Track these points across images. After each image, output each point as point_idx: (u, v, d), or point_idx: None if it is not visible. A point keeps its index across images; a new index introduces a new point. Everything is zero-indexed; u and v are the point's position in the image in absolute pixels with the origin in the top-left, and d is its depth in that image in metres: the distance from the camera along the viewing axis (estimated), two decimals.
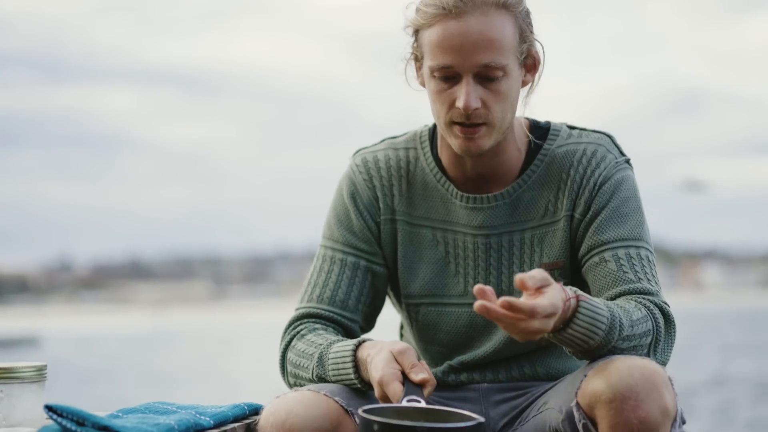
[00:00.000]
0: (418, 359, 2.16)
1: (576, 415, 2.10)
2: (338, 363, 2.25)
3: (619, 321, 2.12)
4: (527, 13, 2.31)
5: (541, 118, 2.46)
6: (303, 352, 2.34)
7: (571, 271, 2.37)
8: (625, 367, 2.04)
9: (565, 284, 2.25)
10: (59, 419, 2.03)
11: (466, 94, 2.25)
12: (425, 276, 2.43)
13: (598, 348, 2.11)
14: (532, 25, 2.32)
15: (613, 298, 2.26)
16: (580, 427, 2.09)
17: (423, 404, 2.04)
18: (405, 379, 2.11)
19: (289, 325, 2.42)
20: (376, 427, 1.90)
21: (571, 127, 2.44)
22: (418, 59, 2.35)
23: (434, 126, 2.47)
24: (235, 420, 2.27)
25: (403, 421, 1.91)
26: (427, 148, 2.46)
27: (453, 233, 2.42)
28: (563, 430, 2.14)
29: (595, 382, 2.06)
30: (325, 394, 2.18)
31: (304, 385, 2.32)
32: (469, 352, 2.42)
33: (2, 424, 2.17)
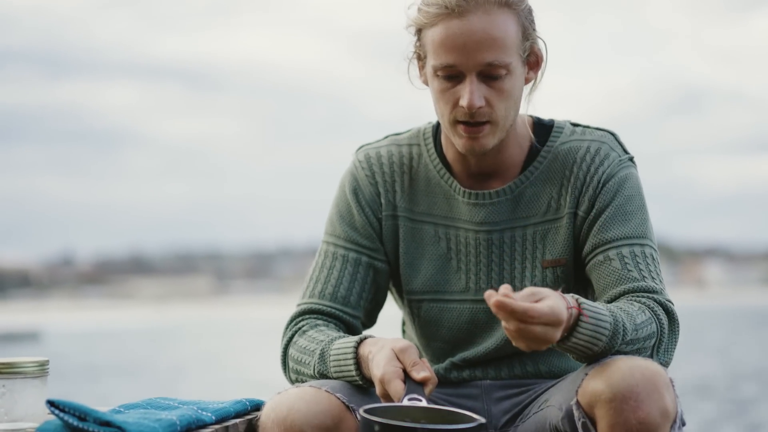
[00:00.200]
0: (420, 357, 2.17)
1: (576, 413, 2.10)
2: (340, 360, 2.26)
3: (623, 326, 2.12)
4: (530, 11, 2.31)
5: (544, 115, 2.46)
6: (304, 348, 2.34)
7: (574, 269, 2.37)
8: (626, 368, 2.04)
9: (563, 291, 2.26)
10: (61, 414, 2.04)
11: (469, 93, 2.25)
12: (427, 272, 2.43)
13: (602, 353, 2.11)
14: (534, 23, 2.32)
15: (617, 297, 2.26)
16: (579, 425, 2.09)
17: (424, 403, 2.04)
18: (406, 377, 2.11)
19: (291, 321, 2.42)
20: (376, 427, 1.90)
21: (575, 125, 2.44)
22: (420, 58, 2.35)
23: (438, 123, 2.47)
24: (237, 416, 2.28)
25: (404, 422, 1.91)
26: (431, 145, 2.46)
27: (455, 229, 2.42)
28: (563, 428, 2.14)
29: (595, 382, 2.06)
30: (326, 391, 2.18)
31: (306, 381, 2.32)
32: (471, 348, 2.42)
33: (4, 419, 2.17)
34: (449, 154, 2.43)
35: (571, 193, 2.36)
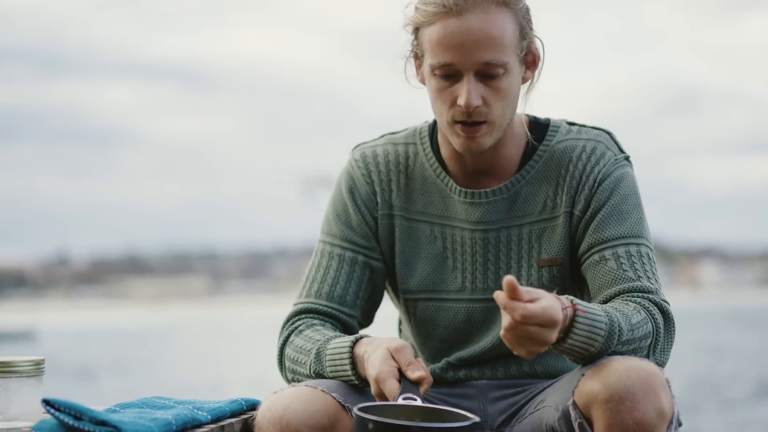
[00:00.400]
0: (415, 356, 2.17)
1: (572, 414, 2.09)
2: (335, 359, 2.26)
3: (618, 326, 2.12)
4: (527, 10, 2.31)
5: (540, 114, 2.46)
6: (301, 347, 2.34)
7: (570, 268, 2.38)
8: (622, 368, 2.04)
9: (559, 292, 2.26)
10: (57, 414, 2.03)
11: (467, 92, 2.25)
12: (423, 271, 2.43)
13: (598, 354, 2.11)
14: (531, 22, 2.32)
15: (612, 297, 2.26)
16: (576, 426, 2.09)
17: (419, 402, 2.04)
18: (401, 377, 2.11)
19: (287, 320, 2.42)
20: (370, 426, 1.90)
21: (571, 124, 2.44)
22: (418, 57, 2.35)
23: (434, 122, 2.47)
24: (233, 415, 2.27)
25: (398, 421, 1.91)
26: (427, 144, 2.46)
27: (451, 228, 2.42)
28: (559, 429, 2.14)
29: (592, 382, 2.06)
30: (322, 390, 2.18)
31: (302, 380, 2.32)
32: (467, 347, 2.42)
33: (0, 419, 2.17)
34: (445, 153, 2.43)
35: (567, 192, 2.36)
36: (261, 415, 2.17)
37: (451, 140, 2.34)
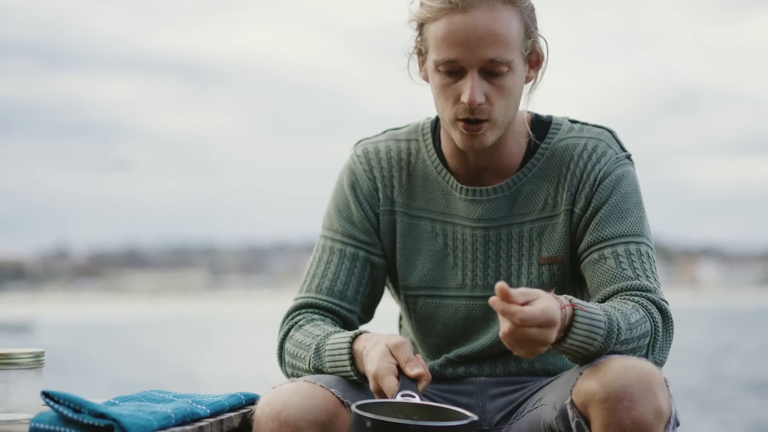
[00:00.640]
0: (414, 353, 2.17)
1: (570, 413, 2.10)
2: (335, 355, 2.26)
3: (617, 325, 2.12)
4: (532, 9, 2.31)
5: (542, 112, 2.46)
6: (300, 342, 2.35)
7: (570, 267, 2.38)
8: (620, 367, 2.04)
9: (557, 291, 2.26)
10: (56, 406, 2.04)
11: (470, 89, 2.25)
12: (423, 268, 2.43)
13: (597, 354, 2.11)
14: (536, 21, 2.32)
15: (610, 295, 2.26)
16: (573, 425, 2.09)
17: (417, 399, 2.04)
18: (400, 373, 2.11)
19: (288, 315, 2.42)
20: (368, 424, 1.90)
21: (573, 122, 2.44)
22: (421, 53, 2.35)
23: (436, 118, 2.47)
24: (232, 409, 2.28)
25: (396, 419, 1.91)
26: (429, 140, 2.46)
27: (452, 225, 2.42)
28: (557, 428, 2.14)
29: (589, 381, 2.06)
30: (321, 386, 2.18)
31: (302, 375, 2.32)
32: (467, 344, 2.42)
33: None
34: (447, 150, 2.43)
35: (567, 190, 2.36)
36: (260, 410, 2.17)
37: (453, 137, 2.34)
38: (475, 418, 1.95)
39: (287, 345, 2.38)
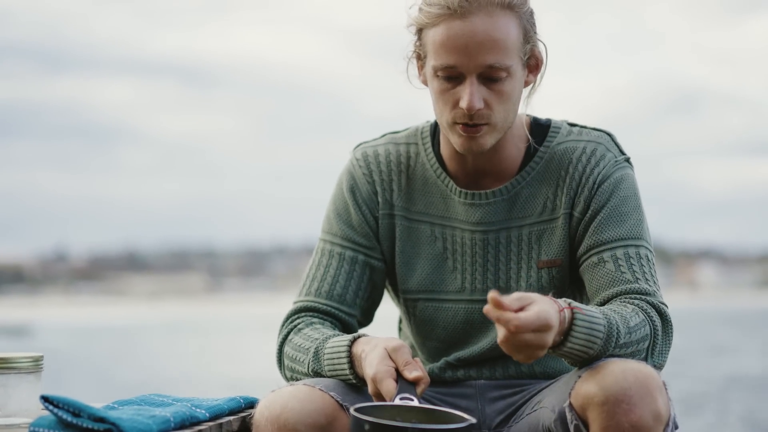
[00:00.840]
0: (413, 357, 2.17)
1: (568, 416, 2.10)
2: (333, 358, 2.26)
3: (617, 329, 2.12)
4: (531, 14, 2.31)
5: (541, 115, 2.46)
6: (299, 346, 2.35)
7: (569, 270, 2.38)
8: (619, 371, 2.04)
9: (556, 294, 2.26)
10: (55, 410, 2.04)
11: (469, 95, 2.25)
12: (423, 271, 2.43)
13: (596, 357, 2.11)
14: (535, 26, 2.32)
15: (609, 299, 2.26)
16: (571, 428, 2.09)
17: (416, 402, 2.04)
18: (399, 377, 2.12)
19: (287, 318, 2.42)
20: (367, 426, 1.90)
21: (572, 125, 2.44)
22: (420, 58, 2.35)
23: (436, 122, 2.47)
24: (231, 413, 2.28)
25: (394, 422, 1.91)
26: (428, 144, 2.46)
27: (451, 229, 2.42)
28: (555, 430, 2.14)
29: (588, 384, 2.06)
30: (320, 389, 2.18)
31: (301, 379, 2.33)
32: (466, 348, 2.42)
33: None
34: (446, 154, 2.43)
35: (566, 193, 2.36)
36: (259, 414, 2.17)
37: (451, 140, 2.34)
38: (474, 420, 1.95)
39: (286, 348, 2.38)
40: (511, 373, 2.41)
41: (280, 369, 2.41)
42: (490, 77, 2.25)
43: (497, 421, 2.37)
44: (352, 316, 2.42)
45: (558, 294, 2.33)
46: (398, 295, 2.48)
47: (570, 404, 2.09)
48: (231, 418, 2.25)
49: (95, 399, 2.38)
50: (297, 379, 2.34)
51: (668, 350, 2.24)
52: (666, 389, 2.08)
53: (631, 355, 2.15)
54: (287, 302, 2.51)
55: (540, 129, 2.42)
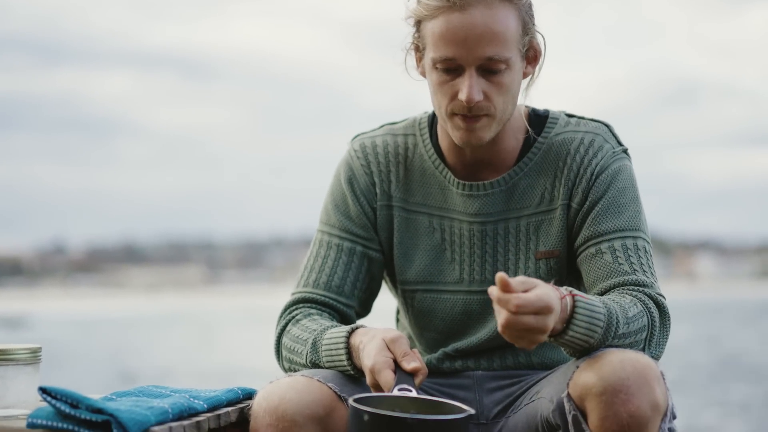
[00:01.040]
0: (411, 347, 2.17)
1: (566, 406, 2.10)
2: (331, 349, 2.26)
3: (616, 318, 2.12)
4: (530, 6, 2.30)
5: (539, 106, 2.45)
6: (297, 337, 2.35)
7: (567, 261, 2.38)
8: (617, 361, 2.04)
9: (556, 283, 2.26)
10: (53, 401, 2.04)
11: (468, 87, 2.24)
12: (421, 263, 2.43)
13: (595, 347, 2.11)
14: (534, 17, 2.31)
15: (607, 290, 2.26)
16: (569, 418, 2.09)
17: (414, 393, 2.04)
18: (397, 368, 2.12)
19: (285, 309, 2.42)
20: (366, 417, 1.90)
21: (570, 116, 2.44)
22: (419, 49, 2.34)
23: (434, 113, 2.47)
24: (229, 404, 2.28)
25: (393, 413, 1.91)
26: (426, 135, 2.46)
27: (449, 220, 2.42)
28: (554, 421, 2.14)
29: (586, 375, 2.06)
30: (318, 380, 2.18)
31: (299, 370, 2.33)
32: (464, 339, 2.42)
33: None
34: (444, 145, 2.43)
35: (564, 184, 2.36)
36: (257, 405, 2.17)
37: (450, 132, 2.33)
38: (472, 411, 1.95)
39: (284, 340, 2.38)
40: (509, 364, 2.41)
41: (278, 360, 2.41)
42: (489, 69, 2.25)
43: (495, 412, 2.37)
44: (350, 307, 2.42)
45: (557, 284, 2.33)
46: (396, 286, 2.48)
47: (568, 394, 2.10)
48: (229, 409, 2.25)
49: (93, 390, 2.39)
50: (295, 370, 2.34)
51: (665, 341, 2.24)
52: (664, 379, 2.09)
53: (629, 346, 2.15)
54: (285, 294, 2.51)
55: (538, 120, 2.42)
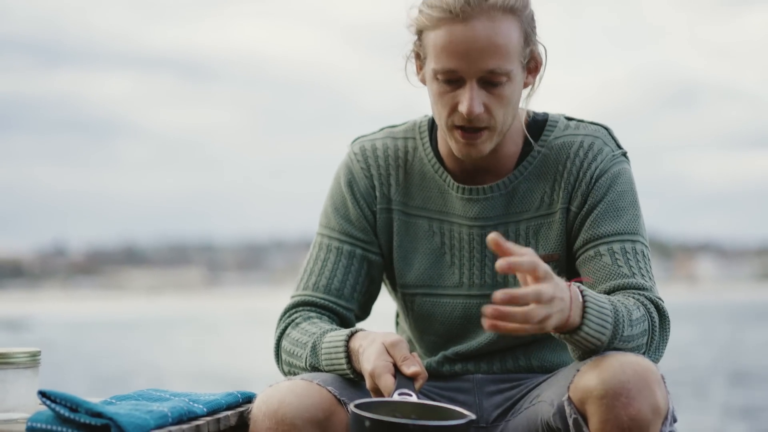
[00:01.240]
0: (411, 351, 2.17)
1: (567, 409, 2.09)
2: (331, 353, 2.26)
3: (622, 318, 2.12)
4: (532, 17, 2.29)
5: (539, 109, 2.45)
6: (297, 340, 2.34)
7: (567, 265, 2.37)
8: (617, 364, 2.04)
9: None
10: (53, 405, 2.04)
11: (469, 100, 2.23)
12: (420, 266, 2.43)
13: (603, 348, 2.11)
14: (536, 28, 2.30)
15: (607, 293, 2.25)
16: (570, 422, 2.09)
17: (414, 398, 2.04)
18: (397, 372, 2.12)
19: (285, 312, 2.42)
20: (367, 423, 1.90)
21: (569, 119, 2.43)
22: (419, 57, 2.33)
23: (434, 117, 2.47)
24: (229, 408, 2.28)
25: (395, 419, 1.91)
26: (426, 139, 2.46)
27: (449, 224, 2.42)
28: (554, 424, 2.14)
29: (587, 378, 2.06)
30: (317, 384, 2.18)
31: (298, 373, 2.33)
32: (465, 342, 2.42)
33: None
34: (444, 150, 2.42)
35: (564, 188, 2.36)
36: (256, 408, 2.17)
37: (450, 144, 2.33)
38: (473, 416, 1.95)
39: (284, 343, 2.38)
40: (509, 367, 2.41)
41: (278, 363, 2.41)
42: (490, 82, 2.24)
43: (494, 416, 2.37)
44: (349, 311, 2.42)
45: None
46: (396, 289, 2.48)
47: (569, 398, 2.09)
48: (229, 413, 2.25)
49: (93, 393, 2.39)
50: (295, 374, 2.34)
51: (665, 346, 2.24)
52: (665, 383, 2.08)
53: (632, 350, 2.14)
54: (285, 296, 2.50)
55: (537, 123, 2.42)
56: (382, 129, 2.52)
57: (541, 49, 2.33)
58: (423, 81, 2.35)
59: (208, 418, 2.19)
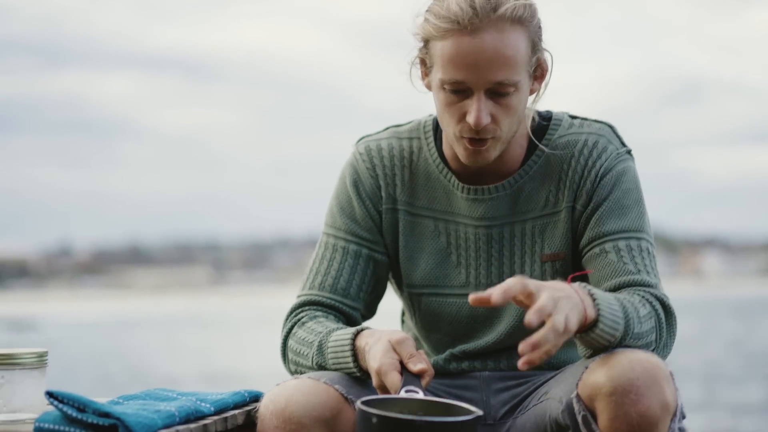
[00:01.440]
0: (417, 348, 2.16)
1: (576, 406, 2.09)
2: (337, 351, 2.26)
3: (632, 315, 2.12)
4: (539, 26, 2.27)
5: (542, 107, 2.44)
6: (303, 339, 2.34)
7: (572, 263, 2.37)
8: (626, 361, 2.04)
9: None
10: (60, 405, 2.04)
11: (477, 111, 2.23)
12: (426, 266, 2.43)
13: (614, 346, 2.11)
14: (542, 36, 2.29)
15: (612, 289, 2.25)
16: (579, 419, 2.09)
17: (421, 395, 2.04)
18: (403, 369, 2.11)
19: (291, 312, 2.42)
20: (374, 420, 1.90)
21: (573, 117, 2.43)
22: (425, 64, 2.32)
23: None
24: (236, 407, 2.28)
25: (402, 415, 1.91)
26: (431, 139, 2.46)
27: (455, 224, 2.41)
28: (563, 421, 2.14)
29: (596, 375, 2.06)
30: (324, 382, 2.18)
31: (305, 372, 2.33)
32: (472, 341, 2.42)
33: (3, 410, 2.18)
34: (448, 151, 2.42)
35: (569, 187, 2.36)
36: (264, 407, 2.17)
37: (456, 151, 2.33)
38: (480, 413, 1.94)
39: (290, 342, 2.38)
40: (516, 365, 2.40)
41: (285, 362, 2.41)
42: (497, 92, 2.23)
43: (502, 413, 2.37)
44: (355, 310, 2.42)
45: None
46: (402, 288, 2.48)
47: (577, 395, 2.09)
48: (236, 411, 2.25)
49: (100, 393, 2.39)
50: (301, 373, 2.34)
51: (673, 342, 2.24)
52: (673, 379, 2.08)
53: (642, 347, 2.14)
54: (291, 295, 2.50)
55: (541, 122, 2.41)
56: (386, 128, 2.52)
57: (547, 56, 2.32)
58: (428, 87, 2.34)
59: (216, 418, 2.19)
